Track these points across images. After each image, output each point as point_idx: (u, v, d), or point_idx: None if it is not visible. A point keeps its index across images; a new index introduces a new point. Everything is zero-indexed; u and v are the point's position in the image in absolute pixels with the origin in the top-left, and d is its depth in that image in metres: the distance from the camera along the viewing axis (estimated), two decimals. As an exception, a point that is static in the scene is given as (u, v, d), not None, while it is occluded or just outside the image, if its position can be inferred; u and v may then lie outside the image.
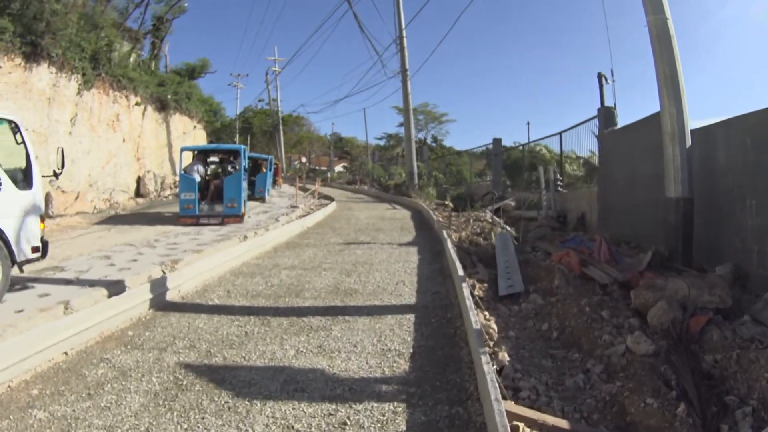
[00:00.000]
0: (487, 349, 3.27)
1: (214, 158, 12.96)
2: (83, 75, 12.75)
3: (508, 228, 10.90)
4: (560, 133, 13.34)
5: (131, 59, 19.96)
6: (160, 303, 5.29)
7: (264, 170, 17.97)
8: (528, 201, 14.67)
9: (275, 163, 21.99)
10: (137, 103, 15.18)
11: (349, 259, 7.57)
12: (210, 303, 5.36)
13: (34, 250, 5.34)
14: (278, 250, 8.47)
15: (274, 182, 21.34)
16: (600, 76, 11.11)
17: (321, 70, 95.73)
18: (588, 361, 3.81)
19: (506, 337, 4.03)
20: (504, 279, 6.08)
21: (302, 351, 3.87)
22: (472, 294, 4.68)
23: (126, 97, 14.74)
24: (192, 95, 20.99)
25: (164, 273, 6.29)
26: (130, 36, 19.69)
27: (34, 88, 11.48)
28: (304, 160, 53.19)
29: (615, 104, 10.74)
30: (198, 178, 11.03)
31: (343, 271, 6.69)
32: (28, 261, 5.28)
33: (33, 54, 11.31)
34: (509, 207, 14.84)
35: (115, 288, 5.51)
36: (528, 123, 43.63)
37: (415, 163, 22.12)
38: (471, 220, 12.28)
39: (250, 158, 14.45)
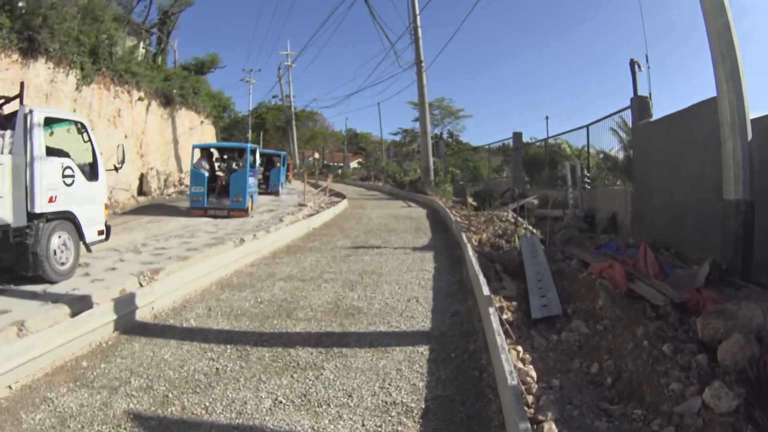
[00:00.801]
0: (526, 416, 2.34)
1: (222, 155, 13.50)
2: (82, 70, 12.17)
3: (532, 229, 9.87)
4: (587, 126, 12.38)
5: (140, 54, 19.49)
6: (128, 324, 4.51)
7: (278, 165, 19.39)
8: (553, 199, 13.61)
9: (288, 160, 22.99)
10: (140, 99, 14.59)
11: (355, 268, 6.68)
12: (184, 325, 4.55)
13: (99, 233, 6.30)
14: (277, 256, 7.64)
15: (285, 178, 21.69)
16: (633, 62, 9.99)
17: (333, 64, 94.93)
18: (654, 420, 2.85)
19: (548, 386, 3.08)
20: (536, 296, 5.10)
21: (281, 402, 2.99)
22: (501, 322, 3.73)
23: (128, 92, 14.14)
24: (199, 90, 20.39)
25: (141, 285, 5.54)
26: (136, 30, 19.19)
27: (32, 84, 10.93)
28: (317, 155, 52.53)
29: (650, 94, 9.64)
30: (206, 174, 11.63)
31: (347, 284, 5.80)
32: (94, 243, 6.16)
33: (30, 49, 10.78)
34: (532, 205, 13.79)
35: (80, 305, 4.75)
36: (547, 117, 41.88)
37: (431, 159, 21.11)
38: (492, 220, 11.28)
39: (263, 154, 15.30)
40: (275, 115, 50.38)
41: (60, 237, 5.60)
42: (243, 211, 11.54)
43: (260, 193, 14.60)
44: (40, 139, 5.43)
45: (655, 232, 7.97)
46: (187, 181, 15.64)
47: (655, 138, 8.56)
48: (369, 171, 36.23)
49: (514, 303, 4.99)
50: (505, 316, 4.50)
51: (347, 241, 9.16)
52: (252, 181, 12.52)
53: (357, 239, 9.41)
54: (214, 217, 11.28)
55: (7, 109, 5.84)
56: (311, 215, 12.42)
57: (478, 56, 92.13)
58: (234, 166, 12.67)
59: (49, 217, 5.44)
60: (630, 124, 10.01)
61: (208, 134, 22.31)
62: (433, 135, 40.23)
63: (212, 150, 13.37)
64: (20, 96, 5.77)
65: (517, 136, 17.54)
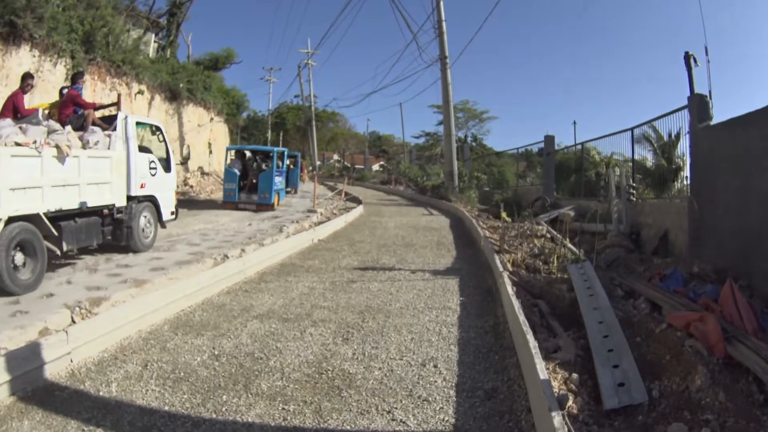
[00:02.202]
0: None
1: (254, 157, 15.17)
2: (72, 59, 11.16)
3: (575, 249, 8.23)
4: (632, 129, 10.84)
5: (151, 48, 18.71)
6: (33, 384, 3.30)
7: (293, 166, 20.42)
8: (590, 211, 11.94)
9: (301, 161, 23.78)
10: (140, 92, 13.57)
11: (357, 302, 5.24)
12: (101, 393, 3.20)
13: (171, 213, 7.86)
14: (265, 279, 6.26)
15: (299, 179, 21.65)
16: (688, 56, 8.36)
17: (353, 62, 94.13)
18: None
19: None
20: (606, 367, 3.54)
21: None
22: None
23: (127, 84, 13.11)
24: (210, 86, 19.40)
25: (73, 321, 4.24)
26: (149, 21, 18.40)
27: (12, 74, 9.96)
28: (336, 157, 51.39)
29: (710, 92, 7.99)
30: (238, 173, 13.28)
31: (342, 329, 4.36)
32: (168, 221, 7.73)
33: (11, 35, 9.78)
34: (568, 218, 12.12)
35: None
36: (574, 122, 39.49)
37: (455, 163, 19.57)
38: (525, 235, 9.68)
39: (270, 153, 16.03)
40: (296, 115, 49.53)
41: (146, 216, 7.05)
42: (269, 206, 13.25)
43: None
44: (134, 139, 6.90)
45: (720, 257, 6.51)
46: (192, 180, 16.86)
47: (720, 144, 7.12)
48: (390, 174, 34.88)
49: (575, 376, 3.44)
50: (568, 404, 2.98)
51: (355, 258, 7.74)
52: (278, 180, 14.29)
53: (367, 256, 7.98)
54: (245, 210, 12.94)
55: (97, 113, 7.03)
56: (320, 223, 11.08)
57: (500, 58, 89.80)
58: (263, 166, 14.34)
59: (139, 200, 6.92)
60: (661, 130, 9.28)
61: (219, 132, 21.29)
62: (457, 138, 38.58)
63: (245, 151, 15.30)
64: (118, 104, 7.25)
65: (549, 139, 15.87)
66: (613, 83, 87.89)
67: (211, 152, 18.08)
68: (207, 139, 18.80)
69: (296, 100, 46.79)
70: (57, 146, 5.38)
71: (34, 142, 5.16)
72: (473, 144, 43.61)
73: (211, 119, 19.04)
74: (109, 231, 6.46)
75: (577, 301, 5.23)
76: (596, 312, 4.67)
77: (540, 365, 3.12)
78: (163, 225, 7.61)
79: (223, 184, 14.10)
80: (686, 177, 8.85)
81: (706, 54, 8.49)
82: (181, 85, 15.86)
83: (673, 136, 9.51)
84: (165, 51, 18.21)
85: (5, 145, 4.87)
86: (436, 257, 8.08)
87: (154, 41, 19.23)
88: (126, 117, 6.81)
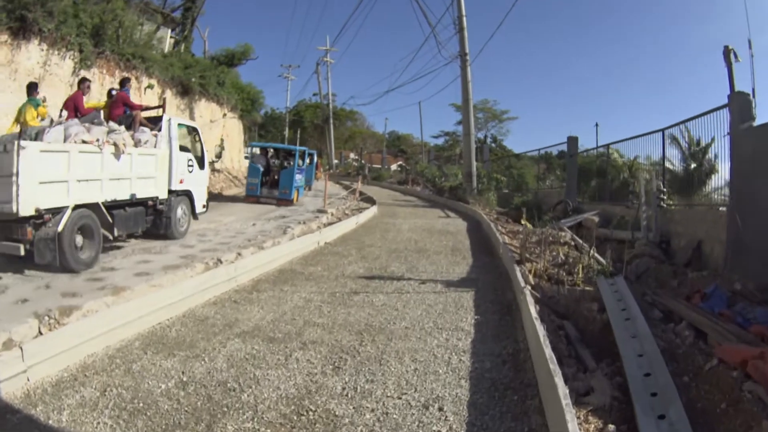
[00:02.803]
0: None
1: (276, 154, 15.94)
2: (81, 52, 10.90)
3: (602, 260, 7.49)
4: (663, 130, 10.14)
5: (168, 44, 18.55)
6: None
7: (310, 164, 20.54)
8: (617, 217, 11.15)
9: (316, 159, 23.90)
10: (150, 86, 13.29)
11: (356, 318, 4.67)
12: (50, 422, 2.75)
13: (203, 206, 8.66)
14: (258, 287, 5.75)
15: (314, 177, 21.58)
16: (728, 51, 7.72)
17: (371, 59, 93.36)
18: None
19: None
20: (650, 419, 2.90)
21: None
22: None
23: (136, 78, 12.78)
24: (224, 81, 19.09)
25: (40, 333, 3.80)
26: (164, 16, 18.24)
27: (21, 68, 9.78)
28: (353, 155, 50.88)
29: (754, 90, 7.29)
30: (261, 168, 14.09)
31: (334, 354, 3.79)
32: (200, 213, 8.52)
33: (21, 29, 9.62)
34: (592, 223, 11.38)
35: None
36: (596, 124, 37.84)
37: (474, 163, 18.81)
38: (547, 241, 8.98)
39: (286, 150, 16.63)
40: (314, 113, 49.28)
41: (182, 208, 7.82)
42: (289, 201, 13.86)
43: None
44: (177, 139, 7.67)
45: (766, 273, 5.72)
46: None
47: (765, 147, 6.38)
48: (408, 174, 34.23)
49: (611, 428, 2.80)
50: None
51: (361, 265, 7.17)
52: (299, 178, 14.91)
53: (375, 263, 7.41)
54: (266, 204, 13.65)
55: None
56: (329, 224, 10.57)
57: (519, 59, 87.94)
58: (285, 164, 15.07)
59: (178, 194, 7.68)
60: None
61: (232, 128, 20.98)
62: (476, 139, 37.64)
63: (268, 149, 16.21)
64: (163, 106, 8.11)
65: (572, 140, 15.07)
66: (640, 84, 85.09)
67: (223, 149, 17.72)
68: (219, 135, 18.46)
69: (315, 98, 46.49)
70: (115, 144, 6.14)
71: (97, 140, 5.90)
72: (492, 145, 42.57)
73: (224, 115, 18.73)
74: (150, 220, 7.12)
75: (610, 325, 4.56)
76: (634, 341, 4.00)
77: (569, 414, 2.50)
78: (195, 217, 8.37)
79: (246, 179, 14.85)
80: (720, 182, 8.19)
81: (750, 47, 7.72)
82: (192, 79, 15.53)
83: (705, 139, 8.84)
84: (179, 46, 17.95)
85: (74, 142, 5.64)
86: (450, 265, 7.46)
87: (171, 36, 19.06)
88: (170, 119, 7.65)
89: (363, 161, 44.47)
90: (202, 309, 4.77)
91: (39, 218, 5.06)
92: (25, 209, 4.90)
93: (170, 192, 7.41)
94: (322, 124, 45.28)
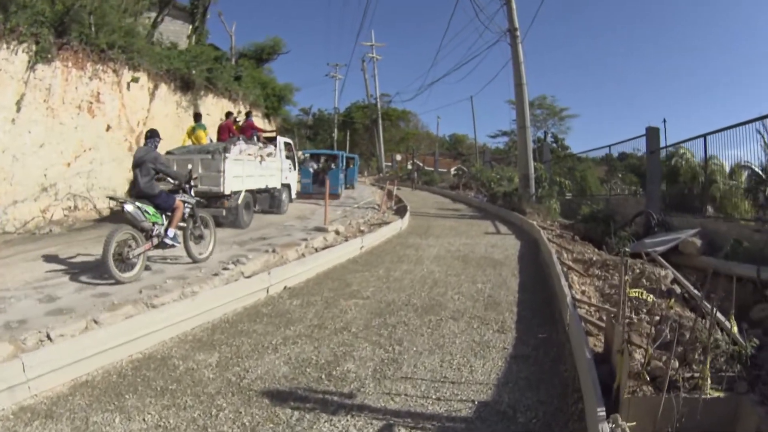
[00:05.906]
0: None
1: (324, 159, 21.44)
2: (37, 44, 9.40)
3: (736, 333, 4.11)
4: None
5: (186, 36, 17.26)
6: None
7: (351, 166, 24.91)
8: (725, 238, 7.56)
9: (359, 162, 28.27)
10: (133, 79, 11.73)
11: None
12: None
13: (294, 195, 14.06)
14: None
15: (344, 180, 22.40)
16: None
17: (413, 55, 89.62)
18: None
19: None
20: None
21: None
22: None
23: (115, 71, 11.33)
24: (242, 76, 17.45)
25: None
26: (179, 9, 16.95)
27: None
28: (398, 158, 48.10)
29: None
30: (311, 171, 18.46)
31: None
32: (292, 201, 13.57)
33: None
34: (692, 248, 7.98)
35: None
36: (664, 120, 31.42)
37: (531, 163, 15.65)
38: (643, 286, 5.78)
39: (318, 155, 21.74)
40: (364, 114, 47.42)
41: (286, 195, 12.79)
42: (337, 196, 17.71)
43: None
44: (283, 151, 12.93)
45: None
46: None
47: None
48: (460, 179, 30.95)
49: None
50: None
51: (291, 355, 3.87)
52: (342, 177, 20.13)
53: (325, 348, 4.02)
54: (318, 199, 15.20)
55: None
56: (319, 250, 7.97)
57: (575, 52, 79.66)
58: (332, 165, 19.92)
59: (283, 186, 12.61)
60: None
61: (258, 126, 19.25)
62: (535, 138, 33.44)
63: (317, 155, 21.59)
64: (276, 130, 16.87)
65: (653, 132, 11.36)
66: (706, 79, 73.56)
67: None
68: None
69: (372, 100, 44.44)
70: (260, 156, 10.88)
71: (253, 153, 10.59)
72: (553, 144, 37.86)
73: (239, 112, 17.04)
74: (270, 202, 11.90)
75: None
76: None
77: None
78: (291, 200, 13.36)
79: (300, 180, 17.35)
80: None
81: None
82: (194, 72, 13.84)
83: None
84: (190, 38, 16.56)
85: (248, 155, 10.31)
86: (469, 351, 4.05)
87: (191, 31, 17.84)
88: (280, 138, 13.05)
89: (411, 164, 41.64)
90: None
91: (229, 197, 9.32)
92: (226, 190, 9.14)
93: (281, 185, 12.35)
94: (370, 125, 43.28)
